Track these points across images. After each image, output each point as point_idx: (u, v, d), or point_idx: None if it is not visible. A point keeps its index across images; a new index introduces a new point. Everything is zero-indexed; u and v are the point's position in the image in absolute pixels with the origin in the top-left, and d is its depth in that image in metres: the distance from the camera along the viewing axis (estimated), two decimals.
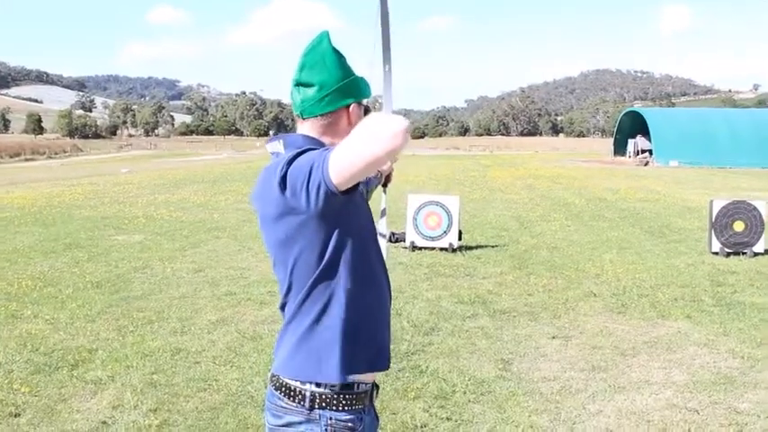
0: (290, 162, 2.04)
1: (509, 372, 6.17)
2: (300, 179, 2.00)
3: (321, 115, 2.24)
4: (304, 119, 2.27)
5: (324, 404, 2.16)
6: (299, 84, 2.26)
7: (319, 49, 2.25)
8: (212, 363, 6.31)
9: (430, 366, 6.21)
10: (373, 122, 1.88)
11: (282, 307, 2.26)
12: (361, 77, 2.32)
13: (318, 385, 2.16)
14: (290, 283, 2.19)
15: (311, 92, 2.23)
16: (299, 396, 2.17)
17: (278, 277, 2.26)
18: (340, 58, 2.26)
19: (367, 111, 2.34)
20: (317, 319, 2.17)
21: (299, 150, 2.08)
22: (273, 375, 2.25)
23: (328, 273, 2.14)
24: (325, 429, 2.15)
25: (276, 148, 2.23)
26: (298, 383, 2.18)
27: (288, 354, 2.21)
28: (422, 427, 4.98)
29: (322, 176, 1.93)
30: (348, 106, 2.26)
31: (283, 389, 2.20)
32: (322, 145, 2.20)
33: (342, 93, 2.24)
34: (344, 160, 1.89)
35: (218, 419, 5.08)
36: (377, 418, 2.37)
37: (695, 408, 5.38)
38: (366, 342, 2.22)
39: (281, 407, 2.19)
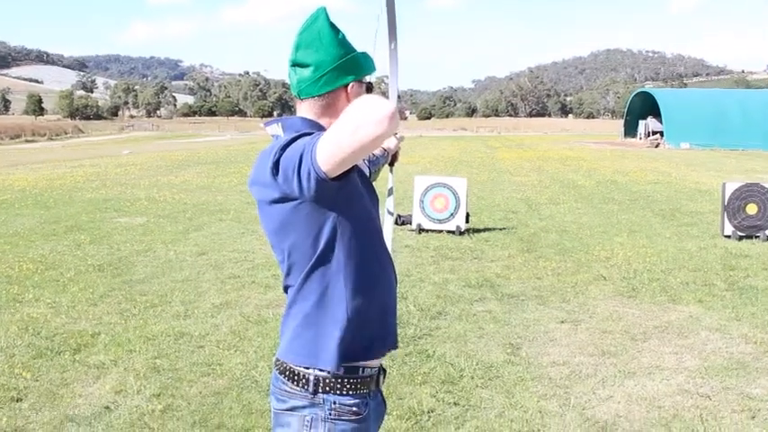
0: (283, 148, 2.02)
1: (517, 356, 6.17)
2: (291, 166, 1.98)
3: (318, 96, 2.21)
4: (301, 99, 2.24)
5: (328, 388, 2.16)
6: (294, 64, 2.22)
7: (315, 27, 2.20)
8: (216, 347, 6.32)
9: (437, 351, 6.21)
10: (359, 108, 1.84)
11: (285, 289, 2.26)
12: (362, 53, 2.27)
13: (322, 369, 2.16)
14: (289, 267, 2.19)
15: (307, 72, 2.20)
16: (303, 380, 2.17)
17: (277, 260, 2.26)
18: (337, 34, 2.21)
19: (369, 88, 2.30)
20: (317, 304, 2.16)
21: (295, 135, 2.05)
22: (278, 360, 2.26)
23: (326, 257, 2.13)
24: (330, 413, 2.16)
25: (275, 130, 2.21)
26: (301, 368, 2.18)
27: (290, 338, 2.22)
28: (429, 412, 4.98)
29: (311, 163, 1.91)
30: (347, 85, 2.23)
31: (287, 373, 2.20)
32: (321, 127, 2.18)
33: (339, 72, 2.20)
34: (331, 147, 1.87)
35: (222, 404, 5.09)
36: (384, 402, 2.37)
37: (707, 393, 5.38)
38: (367, 327, 2.21)
39: (286, 391, 2.19)
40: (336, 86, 2.21)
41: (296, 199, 2.04)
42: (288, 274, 2.21)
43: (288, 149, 2.01)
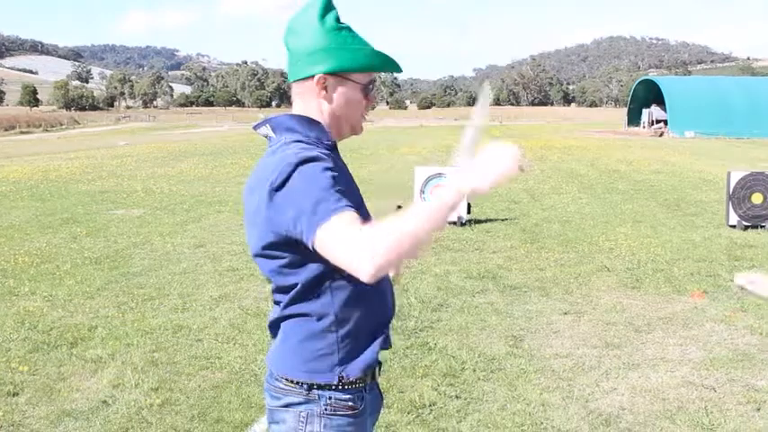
0: (289, 176, 1.96)
1: (520, 348, 6.17)
2: (292, 214, 1.95)
3: (300, 81, 2.18)
4: (292, 82, 2.22)
5: (323, 383, 2.16)
6: (286, 45, 2.19)
7: (308, 14, 2.14)
8: (215, 340, 6.33)
9: (438, 343, 6.22)
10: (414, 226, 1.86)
11: (274, 303, 2.23)
12: (364, 49, 2.16)
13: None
14: (276, 283, 2.16)
15: (294, 54, 2.16)
16: (292, 380, 2.18)
17: (261, 270, 2.21)
18: (324, 23, 2.12)
19: (367, 89, 2.21)
20: (308, 317, 2.14)
21: (305, 159, 1.98)
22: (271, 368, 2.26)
23: (317, 269, 2.08)
24: (325, 409, 2.15)
25: (265, 132, 2.18)
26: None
27: (281, 352, 2.19)
28: (430, 405, 4.99)
29: (354, 256, 1.84)
30: (317, 77, 2.14)
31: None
32: (311, 124, 2.15)
33: (309, 60, 2.13)
34: (391, 256, 1.82)
35: (221, 398, 5.10)
36: (381, 395, 2.37)
37: (712, 385, 5.38)
38: (364, 338, 2.20)
39: (280, 388, 2.19)
40: (305, 75, 2.15)
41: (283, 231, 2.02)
42: (275, 289, 2.18)
43: (297, 184, 1.95)
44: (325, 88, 2.14)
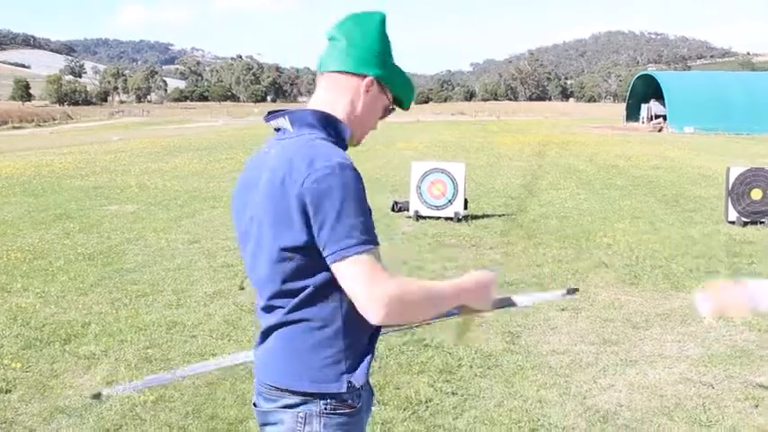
0: (330, 178, 1.95)
1: (517, 345, 6.19)
2: (325, 222, 1.95)
3: (338, 72, 2.17)
4: (321, 73, 2.20)
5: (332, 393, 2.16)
6: (331, 38, 2.18)
7: (367, 18, 2.18)
8: (209, 337, 6.34)
9: (435, 340, 6.22)
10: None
11: (267, 309, 2.18)
12: (404, 73, 2.24)
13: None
14: (282, 286, 2.11)
15: (337, 46, 2.16)
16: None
17: (258, 277, 2.16)
18: (385, 37, 2.19)
19: (388, 110, 2.28)
20: (315, 323, 2.12)
21: (344, 165, 1.98)
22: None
23: (330, 283, 2.06)
24: (324, 408, 2.14)
25: (281, 124, 2.15)
26: None
27: (281, 361, 2.15)
28: (426, 402, 5.00)
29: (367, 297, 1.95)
30: (363, 78, 2.17)
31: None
32: (334, 122, 2.15)
33: (368, 58, 2.16)
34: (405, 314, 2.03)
35: (216, 395, 5.10)
36: (372, 391, 2.37)
37: (710, 382, 5.40)
38: (364, 341, 2.19)
39: (276, 389, 2.18)
40: (357, 71, 2.16)
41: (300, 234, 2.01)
42: (274, 296, 2.14)
43: (332, 195, 1.94)
44: (368, 91, 2.17)
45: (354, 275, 1.94)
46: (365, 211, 1.98)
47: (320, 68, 2.21)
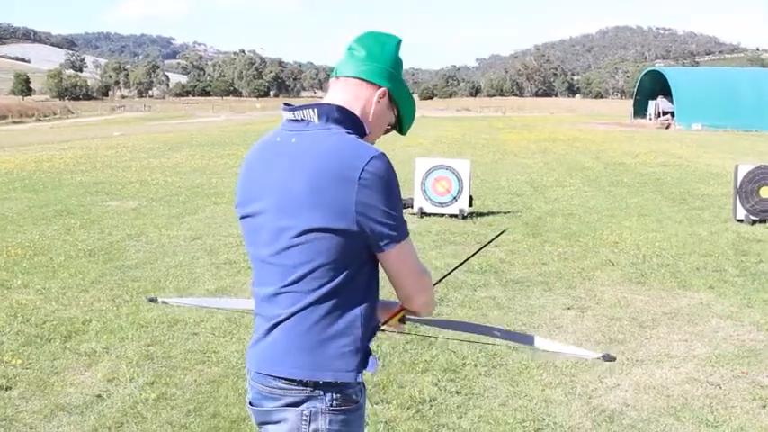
0: (380, 169, 2.09)
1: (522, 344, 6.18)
2: (376, 214, 2.08)
3: (353, 78, 2.26)
4: (337, 78, 2.29)
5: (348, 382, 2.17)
6: (351, 48, 2.29)
7: (384, 40, 2.32)
8: (211, 334, 6.35)
9: (439, 338, 6.23)
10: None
11: (280, 296, 2.19)
12: (411, 95, 2.41)
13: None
14: (305, 274, 2.12)
15: (357, 55, 2.27)
16: (301, 381, 2.17)
17: (279, 263, 2.17)
18: (399, 60, 2.34)
19: (391, 128, 2.42)
20: (336, 315, 2.15)
21: (387, 158, 2.12)
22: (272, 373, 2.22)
23: (358, 263, 2.14)
24: (330, 404, 2.16)
25: (308, 115, 2.20)
26: None
27: (294, 352, 2.15)
28: (431, 401, 5.01)
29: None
30: (377, 88, 2.27)
31: (280, 377, 2.19)
32: (358, 122, 2.22)
33: (384, 72, 2.28)
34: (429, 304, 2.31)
35: (218, 392, 5.12)
36: (364, 384, 2.38)
37: (717, 382, 5.40)
38: (372, 329, 2.25)
39: (279, 388, 2.17)
40: (373, 80, 2.26)
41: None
42: (295, 282, 2.14)
43: (388, 190, 2.10)
44: (379, 101, 2.28)
45: (403, 266, 2.18)
46: (401, 202, 2.18)
47: (337, 73, 2.31)
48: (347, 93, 2.26)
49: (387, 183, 2.09)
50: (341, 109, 2.21)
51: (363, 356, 2.18)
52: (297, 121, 2.22)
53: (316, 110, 2.20)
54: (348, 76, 2.27)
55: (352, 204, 2.05)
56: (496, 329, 2.70)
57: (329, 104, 2.22)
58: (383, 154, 2.11)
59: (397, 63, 2.32)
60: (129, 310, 7.02)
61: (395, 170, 2.13)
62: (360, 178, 2.05)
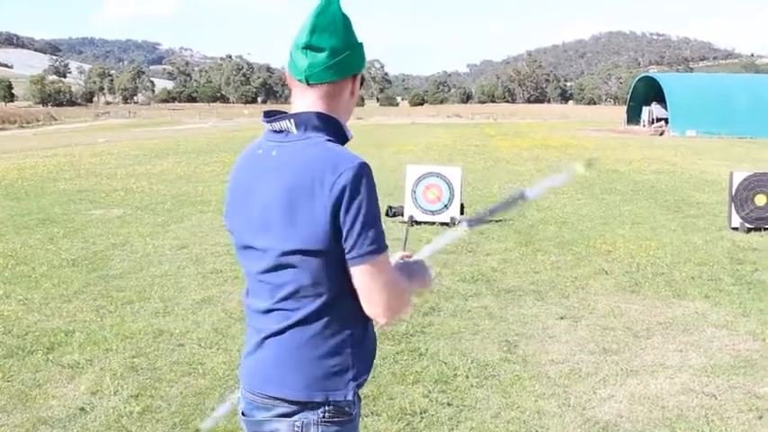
0: (358, 180, 2.06)
1: (514, 354, 6.19)
2: (353, 225, 2.06)
3: (329, 83, 2.20)
4: (309, 85, 2.20)
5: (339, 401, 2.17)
6: (307, 47, 2.18)
7: (330, 11, 2.20)
8: (197, 345, 6.32)
9: (430, 349, 6.23)
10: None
11: (271, 312, 2.19)
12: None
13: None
14: (293, 292, 2.14)
15: (321, 57, 2.17)
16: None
17: (265, 279, 2.18)
18: (348, 21, 2.23)
19: (362, 81, 2.35)
20: (326, 334, 2.15)
21: (366, 166, 2.10)
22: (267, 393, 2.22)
23: (346, 290, 2.14)
24: (322, 416, 2.15)
25: (286, 126, 2.18)
26: None
27: (284, 369, 2.16)
28: (421, 413, 5.00)
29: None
30: (354, 76, 2.26)
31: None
32: (336, 124, 2.20)
33: (351, 60, 2.22)
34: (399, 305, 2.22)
35: (204, 405, 5.10)
36: (359, 399, 2.38)
37: (713, 392, 5.41)
38: (370, 346, 2.26)
39: (271, 397, 2.18)
40: (348, 75, 2.23)
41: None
42: (286, 298, 2.15)
43: (366, 206, 2.08)
44: (354, 83, 2.27)
45: (371, 281, 2.10)
46: (379, 213, 2.13)
47: (309, 80, 2.20)
48: (327, 98, 2.22)
49: (361, 194, 2.06)
50: (320, 116, 2.18)
51: (358, 372, 2.18)
52: (276, 131, 2.21)
53: (293, 120, 2.18)
54: (323, 83, 2.20)
55: (327, 223, 2.05)
56: (488, 211, 2.79)
57: (306, 113, 2.19)
58: (362, 164, 2.08)
59: (351, 30, 2.23)
60: (113, 321, 6.99)
61: (373, 180, 2.10)
62: (331, 191, 2.04)
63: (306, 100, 2.22)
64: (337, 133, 2.20)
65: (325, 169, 2.05)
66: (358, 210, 2.05)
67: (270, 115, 2.24)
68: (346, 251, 2.06)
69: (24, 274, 8.89)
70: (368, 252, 2.06)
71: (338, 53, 2.18)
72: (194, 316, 7.19)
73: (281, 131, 2.20)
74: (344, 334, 2.15)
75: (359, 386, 2.20)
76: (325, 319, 2.13)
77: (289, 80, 2.26)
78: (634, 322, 7.11)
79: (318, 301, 2.12)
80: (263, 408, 2.20)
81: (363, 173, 2.07)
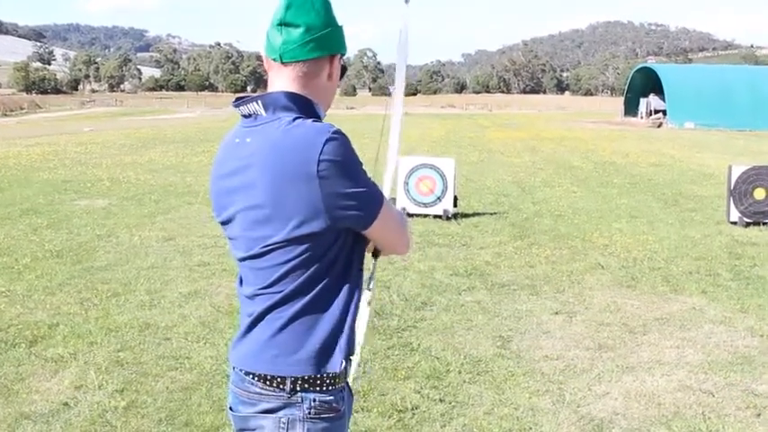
0: (334, 151, 2.06)
1: (508, 350, 6.19)
2: (350, 198, 2.09)
3: (303, 61, 2.19)
4: (284, 63, 2.20)
5: (307, 386, 2.14)
6: (282, 23, 2.18)
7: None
8: (184, 339, 6.31)
9: (422, 344, 6.23)
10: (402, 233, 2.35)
11: (260, 294, 2.19)
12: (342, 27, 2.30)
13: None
14: (281, 276, 2.14)
15: (296, 33, 2.17)
16: (278, 380, 2.15)
17: (255, 267, 2.19)
18: (327, 2, 2.22)
19: (344, 69, 2.35)
20: (317, 307, 2.15)
21: (338, 131, 2.09)
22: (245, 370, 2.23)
23: (335, 260, 2.15)
24: (308, 412, 2.14)
25: (254, 109, 2.17)
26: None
27: (277, 348, 2.16)
28: (413, 409, 5.00)
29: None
30: (332, 57, 2.24)
31: (258, 375, 2.18)
32: (307, 102, 2.18)
33: (328, 40, 2.21)
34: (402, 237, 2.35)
35: (191, 400, 5.09)
36: (351, 394, 2.37)
37: (710, 390, 5.42)
38: (353, 318, 2.24)
39: (256, 392, 2.17)
40: (323, 54, 2.21)
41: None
42: (271, 284, 2.16)
43: (350, 174, 2.10)
44: (334, 63, 2.26)
45: (387, 229, 2.23)
46: (364, 170, 2.15)
47: (283, 58, 2.20)
48: (298, 82, 2.21)
49: (346, 163, 2.08)
50: (288, 94, 2.18)
51: (347, 345, 2.20)
52: (247, 116, 2.21)
53: (260, 101, 2.17)
54: (297, 61, 2.19)
55: (320, 202, 2.06)
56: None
57: (274, 93, 2.19)
58: (336, 132, 2.08)
59: (327, 8, 2.22)
60: (98, 314, 6.97)
61: (349, 141, 2.11)
62: (318, 171, 2.03)
63: (280, 80, 2.22)
64: (308, 111, 2.18)
65: (302, 148, 2.05)
66: (348, 179, 2.07)
67: (239, 100, 2.23)
68: (353, 222, 2.13)
69: (7, 265, 8.86)
70: (374, 211, 2.14)
71: (314, 30, 2.17)
72: (181, 309, 7.18)
73: (250, 116, 2.20)
74: (335, 307, 2.16)
75: (347, 360, 2.20)
76: (314, 297, 2.14)
77: (266, 63, 2.26)
78: (630, 318, 7.12)
79: (306, 281, 2.13)
80: (248, 402, 2.19)
81: (339, 140, 2.07)
